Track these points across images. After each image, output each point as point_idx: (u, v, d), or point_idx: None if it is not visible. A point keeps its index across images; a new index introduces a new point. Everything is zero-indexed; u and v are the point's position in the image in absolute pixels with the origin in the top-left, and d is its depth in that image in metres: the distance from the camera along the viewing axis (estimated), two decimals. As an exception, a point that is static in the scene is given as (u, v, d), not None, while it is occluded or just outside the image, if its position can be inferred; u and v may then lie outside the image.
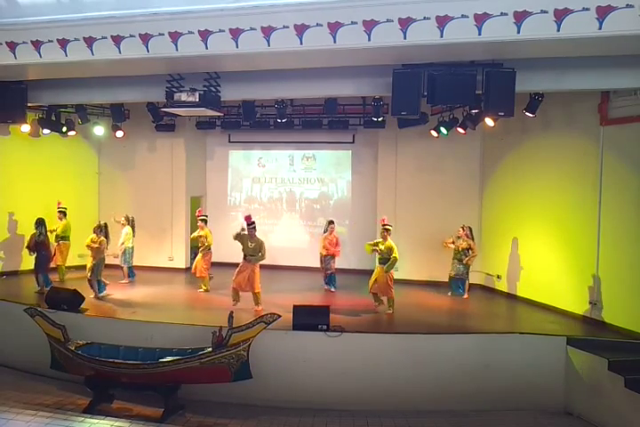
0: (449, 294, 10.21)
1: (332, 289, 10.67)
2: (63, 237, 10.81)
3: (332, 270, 10.65)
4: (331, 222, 10.72)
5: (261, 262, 9.03)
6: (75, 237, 10.87)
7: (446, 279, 10.45)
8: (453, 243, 10.08)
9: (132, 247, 10.99)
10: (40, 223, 10.14)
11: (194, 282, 11.12)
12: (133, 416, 6.62)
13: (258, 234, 9.06)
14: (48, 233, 10.32)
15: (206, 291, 10.35)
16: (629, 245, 7.47)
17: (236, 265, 9.19)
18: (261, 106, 10.49)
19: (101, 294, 9.56)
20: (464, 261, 9.95)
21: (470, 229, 10.02)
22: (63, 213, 10.86)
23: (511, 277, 10.16)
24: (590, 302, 8.14)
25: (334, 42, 6.12)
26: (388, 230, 8.92)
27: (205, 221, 10.46)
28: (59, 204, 10.91)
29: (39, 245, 10.06)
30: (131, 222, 10.97)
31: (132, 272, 11.13)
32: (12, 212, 11.23)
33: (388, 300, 8.93)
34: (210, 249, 10.35)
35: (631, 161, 7.49)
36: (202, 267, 10.28)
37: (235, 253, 10.09)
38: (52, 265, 10.64)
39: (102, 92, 8.58)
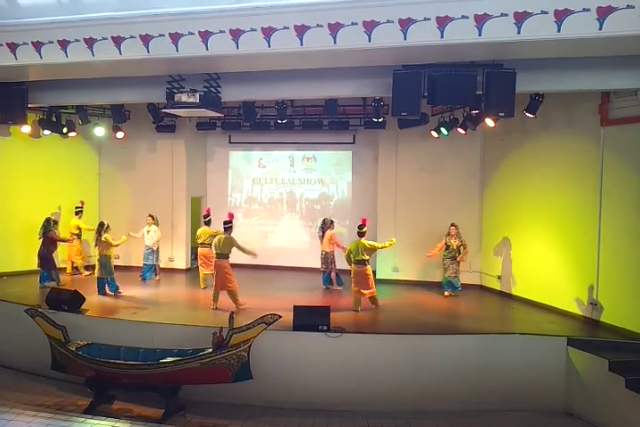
0: (446, 294, 10.17)
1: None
2: (73, 235, 11.36)
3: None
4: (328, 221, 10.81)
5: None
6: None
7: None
8: (447, 246, 10.04)
9: (146, 247, 11.20)
10: (46, 221, 10.45)
11: (194, 282, 11.15)
12: (134, 417, 6.62)
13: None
14: (55, 231, 10.54)
15: (204, 288, 10.60)
16: (630, 245, 7.46)
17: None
18: (262, 107, 10.51)
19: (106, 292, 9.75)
20: (458, 259, 9.95)
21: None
22: (75, 213, 11.46)
23: (511, 277, 10.15)
24: (591, 303, 8.13)
25: (334, 43, 6.12)
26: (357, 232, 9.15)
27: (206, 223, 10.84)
28: (81, 203, 11.58)
29: (44, 243, 10.37)
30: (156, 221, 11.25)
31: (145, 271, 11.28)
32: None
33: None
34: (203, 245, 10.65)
35: (631, 162, 7.48)
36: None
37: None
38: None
39: (103, 92, 8.59)
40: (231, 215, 9.46)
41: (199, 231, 10.77)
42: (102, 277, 9.73)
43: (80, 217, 11.57)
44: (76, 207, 11.58)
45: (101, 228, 9.66)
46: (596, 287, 8.03)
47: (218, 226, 10.80)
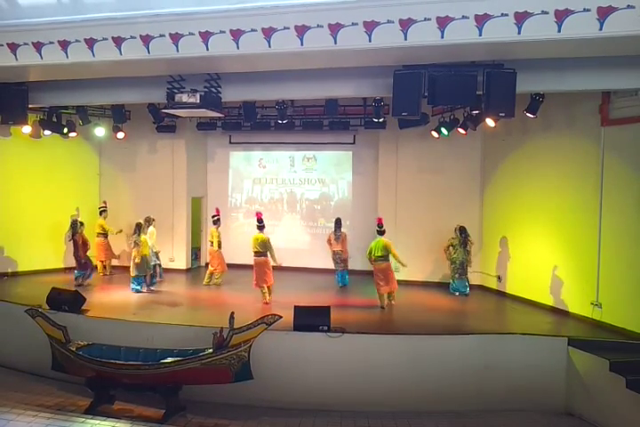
0: (457, 294, 10.32)
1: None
2: (99, 234, 11.63)
3: None
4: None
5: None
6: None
7: (447, 280, 10.55)
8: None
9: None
10: (73, 223, 10.78)
11: (195, 283, 11.15)
12: (134, 417, 6.63)
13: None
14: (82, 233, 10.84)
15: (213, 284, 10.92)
16: (630, 245, 7.46)
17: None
18: (262, 107, 10.52)
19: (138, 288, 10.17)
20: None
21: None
22: (99, 212, 11.67)
23: (512, 277, 10.15)
24: (591, 303, 8.12)
25: (335, 43, 6.12)
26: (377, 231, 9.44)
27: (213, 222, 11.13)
28: (104, 203, 11.87)
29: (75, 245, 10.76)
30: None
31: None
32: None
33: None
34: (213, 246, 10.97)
35: (632, 162, 7.48)
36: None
37: (235, 253, 10.26)
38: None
39: (103, 93, 8.58)
40: (259, 214, 9.75)
41: (210, 232, 11.21)
42: (140, 274, 10.12)
43: (105, 217, 11.79)
44: (100, 207, 11.87)
45: (139, 229, 10.10)
46: (596, 287, 8.02)
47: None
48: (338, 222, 11.09)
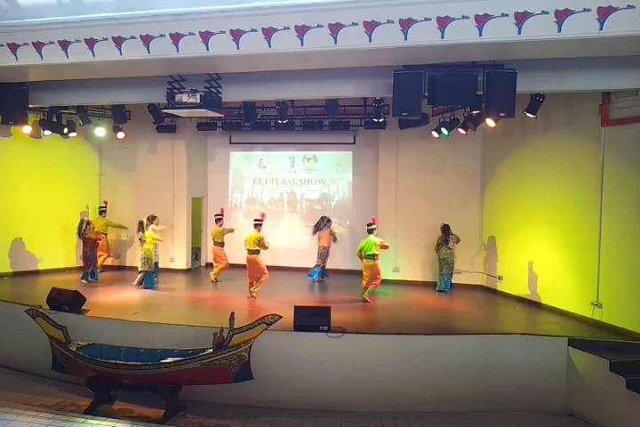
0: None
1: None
2: (98, 233, 11.67)
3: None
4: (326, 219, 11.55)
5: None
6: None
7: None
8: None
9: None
10: (81, 223, 10.99)
11: (195, 283, 11.13)
12: (134, 417, 6.63)
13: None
14: (89, 230, 11.03)
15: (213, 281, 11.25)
16: (630, 246, 7.45)
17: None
18: (262, 107, 10.52)
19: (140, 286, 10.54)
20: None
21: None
22: (99, 212, 12.02)
23: (512, 277, 10.14)
24: (592, 303, 8.12)
25: (335, 43, 6.13)
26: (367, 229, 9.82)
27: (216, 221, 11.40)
28: (104, 203, 12.14)
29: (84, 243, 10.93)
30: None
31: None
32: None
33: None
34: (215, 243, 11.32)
35: (632, 162, 7.48)
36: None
37: (235, 254, 10.24)
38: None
39: (103, 93, 8.59)
40: (262, 215, 10.12)
41: (211, 231, 11.45)
42: (145, 270, 10.43)
43: (104, 216, 11.97)
44: (100, 207, 12.08)
45: (141, 226, 10.40)
46: (596, 287, 8.02)
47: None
48: (320, 220, 11.57)
